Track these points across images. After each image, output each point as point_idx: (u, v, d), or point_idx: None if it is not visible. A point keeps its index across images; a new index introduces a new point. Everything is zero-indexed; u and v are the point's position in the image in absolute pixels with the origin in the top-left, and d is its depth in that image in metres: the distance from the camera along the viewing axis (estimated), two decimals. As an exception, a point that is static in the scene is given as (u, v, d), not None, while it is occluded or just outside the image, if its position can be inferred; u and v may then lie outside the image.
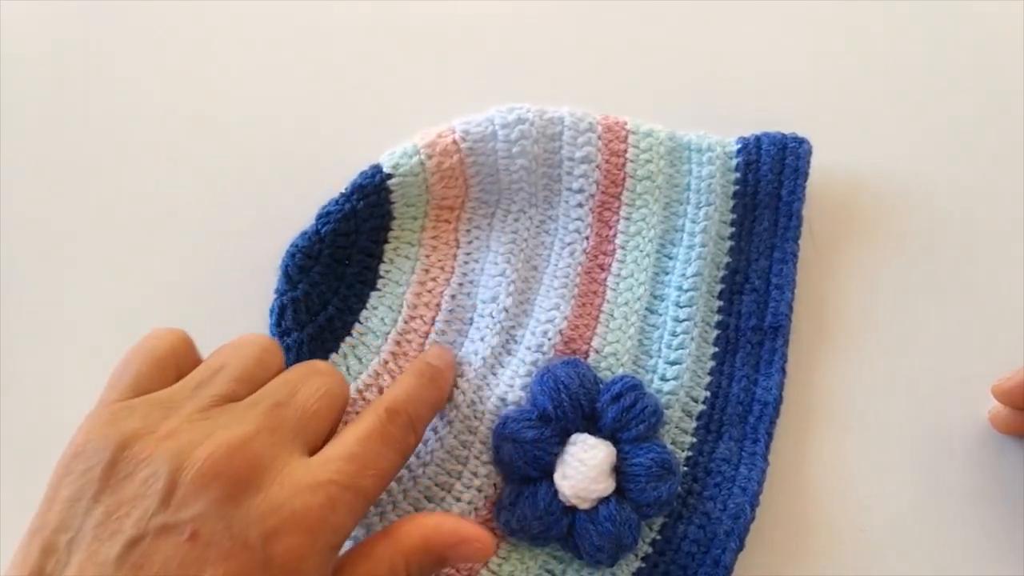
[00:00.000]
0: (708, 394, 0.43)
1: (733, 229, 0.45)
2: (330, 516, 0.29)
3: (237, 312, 0.44)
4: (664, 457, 0.39)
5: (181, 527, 0.26)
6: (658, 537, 0.40)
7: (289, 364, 0.40)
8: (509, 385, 0.41)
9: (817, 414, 0.44)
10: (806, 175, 0.45)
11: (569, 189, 0.44)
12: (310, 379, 0.33)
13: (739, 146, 0.46)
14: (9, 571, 0.26)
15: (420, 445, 0.40)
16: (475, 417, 0.41)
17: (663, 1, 0.52)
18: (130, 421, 0.28)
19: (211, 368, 0.32)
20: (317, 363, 0.35)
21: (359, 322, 0.43)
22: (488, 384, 0.42)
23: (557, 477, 0.39)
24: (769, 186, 0.45)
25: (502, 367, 0.42)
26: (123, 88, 0.50)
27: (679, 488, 0.41)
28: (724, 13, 0.52)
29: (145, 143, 0.49)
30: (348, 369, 0.42)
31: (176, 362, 0.32)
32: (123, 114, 0.49)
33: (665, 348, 0.43)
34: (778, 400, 0.42)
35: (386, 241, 0.44)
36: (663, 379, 0.42)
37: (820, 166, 0.46)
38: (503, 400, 0.41)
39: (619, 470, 0.39)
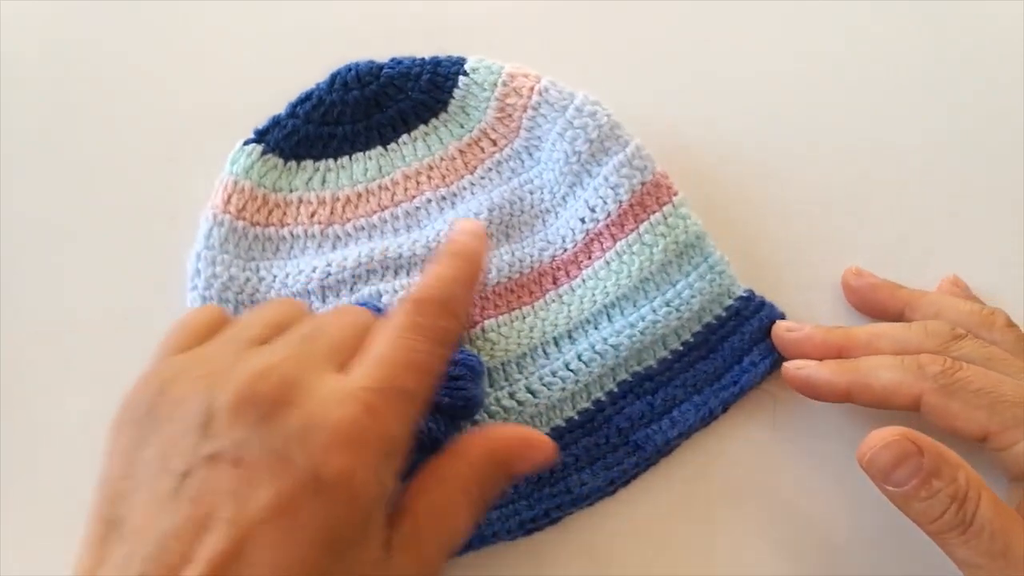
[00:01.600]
0: (533, 442, 0.41)
1: (680, 348, 0.43)
2: (371, 424, 0.27)
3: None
4: (437, 437, 0.38)
5: (224, 454, 0.26)
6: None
7: (277, 142, 0.43)
8: (394, 290, 0.42)
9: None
10: (777, 363, 0.43)
11: (585, 202, 0.44)
12: (341, 316, 0.32)
13: (744, 294, 0.44)
14: (86, 527, 0.27)
15: (293, 270, 0.42)
16: (348, 288, 0.43)
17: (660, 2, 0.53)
18: (169, 370, 0.29)
19: (243, 321, 0.33)
20: (346, 306, 0.35)
21: (348, 156, 0.45)
22: (382, 276, 0.43)
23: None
24: (739, 343, 0.43)
25: (406, 275, 0.43)
26: (123, 88, 0.51)
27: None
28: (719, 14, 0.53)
29: (145, 143, 0.49)
30: (309, 180, 0.45)
31: (216, 329, 0.33)
32: (123, 114, 0.50)
33: (536, 377, 0.42)
34: (582, 498, 0.40)
35: (425, 122, 0.46)
36: (510, 396, 0.41)
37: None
38: (379, 293, 0.42)
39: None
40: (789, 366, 0.41)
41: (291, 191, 0.44)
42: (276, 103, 0.45)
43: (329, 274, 0.42)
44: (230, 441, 0.26)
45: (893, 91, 0.50)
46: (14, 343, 0.45)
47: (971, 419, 0.36)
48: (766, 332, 0.43)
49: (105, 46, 0.52)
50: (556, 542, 0.40)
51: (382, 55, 0.46)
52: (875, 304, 0.44)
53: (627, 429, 0.41)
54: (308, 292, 0.42)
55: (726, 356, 0.43)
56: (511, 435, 0.32)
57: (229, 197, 0.43)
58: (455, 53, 0.46)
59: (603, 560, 0.40)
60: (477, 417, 0.41)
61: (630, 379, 0.43)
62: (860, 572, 0.39)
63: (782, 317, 0.44)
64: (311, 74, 0.45)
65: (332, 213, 0.44)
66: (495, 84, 0.44)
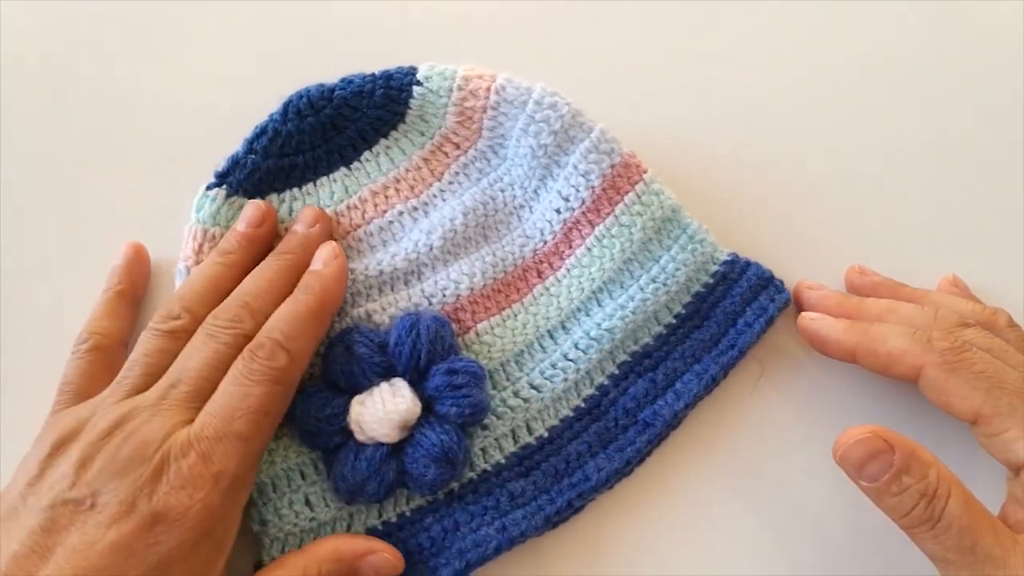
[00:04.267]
0: (545, 435, 0.42)
1: (674, 321, 0.44)
2: (204, 470, 0.33)
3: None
4: (452, 447, 0.38)
5: (84, 499, 0.33)
6: (407, 513, 0.40)
7: (239, 183, 0.43)
8: (383, 308, 0.42)
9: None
10: (771, 320, 0.43)
11: (558, 192, 0.44)
12: (202, 353, 0.37)
13: (728, 258, 0.44)
14: None
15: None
16: (338, 314, 0.42)
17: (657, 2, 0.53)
18: (65, 421, 0.36)
19: (127, 366, 0.38)
20: (208, 336, 0.38)
21: (313, 183, 0.45)
22: (369, 295, 0.42)
23: (356, 400, 0.39)
24: (731, 306, 0.44)
25: (391, 291, 0.43)
26: (123, 88, 0.51)
27: (454, 487, 0.40)
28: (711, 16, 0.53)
29: (145, 143, 0.49)
30: (276, 215, 0.44)
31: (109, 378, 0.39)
32: (123, 114, 0.50)
33: (537, 372, 0.42)
34: (602, 482, 0.40)
35: (384, 136, 0.45)
36: (515, 394, 0.42)
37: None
38: (368, 315, 0.42)
39: (411, 432, 0.39)
40: (804, 316, 0.42)
41: None
42: (277, 102, 0.45)
43: None
44: (91, 489, 0.33)
45: (894, 91, 0.50)
46: (14, 343, 0.45)
47: (966, 398, 0.37)
48: (757, 292, 0.44)
49: (105, 46, 0.52)
50: (556, 542, 0.40)
51: (384, 55, 0.46)
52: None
53: (634, 409, 0.42)
54: None
55: (720, 321, 0.44)
56: (357, 540, 0.38)
57: (200, 246, 0.42)
58: (452, 52, 0.46)
59: (603, 560, 0.40)
60: (486, 421, 0.41)
61: (629, 359, 0.43)
62: (857, 566, 0.41)
63: (769, 276, 0.44)
64: (311, 73, 0.45)
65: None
66: (451, 89, 0.44)
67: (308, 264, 0.41)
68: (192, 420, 0.35)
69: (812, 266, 0.46)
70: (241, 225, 0.41)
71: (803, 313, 0.43)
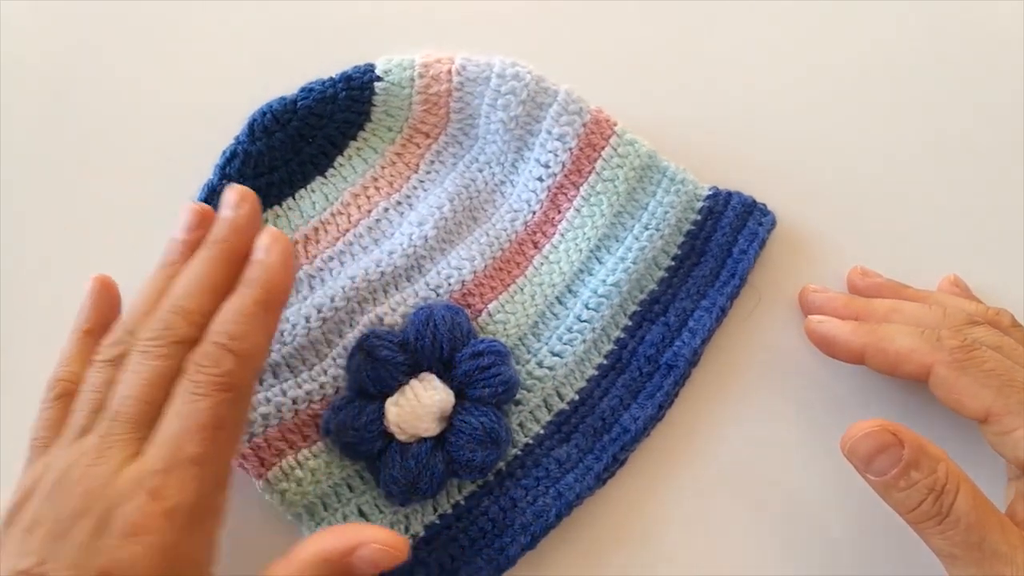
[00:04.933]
0: (576, 398, 0.42)
1: (672, 263, 0.45)
2: (156, 509, 0.30)
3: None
4: (494, 427, 0.39)
5: (31, 570, 0.29)
6: (462, 502, 0.40)
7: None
8: (392, 308, 0.42)
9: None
10: (763, 242, 0.45)
11: (537, 160, 0.45)
12: (140, 375, 0.33)
13: (710, 192, 0.45)
14: None
15: (287, 327, 0.41)
16: (349, 323, 0.42)
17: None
18: (22, 483, 0.33)
19: (75, 406, 0.34)
20: (146, 357, 0.34)
21: (293, 198, 0.44)
22: (375, 298, 0.42)
23: (389, 402, 0.39)
24: (723, 238, 0.45)
25: (396, 290, 0.43)
26: (123, 88, 0.50)
27: (501, 466, 0.40)
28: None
29: (145, 143, 0.49)
30: (263, 234, 0.43)
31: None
32: (123, 114, 0.49)
33: (555, 339, 0.43)
34: (640, 431, 0.41)
35: (353, 139, 0.45)
36: (539, 364, 0.42)
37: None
38: (380, 319, 0.42)
39: (450, 422, 0.39)
40: (811, 319, 0.42)
41: None
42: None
43: (324, 319, 0.41)
44: (40, 557, 0.29)
45: (894, 91, 0.50)
46: (13, 343, 0.44)
47: (977, 397, 0.36)
48: (744, 219, 0.45)
49: (105, 46, 0.52)
50: (556, 542, 0.40)
51: (381, 54, 0.45)
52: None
53: (655, 355, 0.43)
54: (312, 343, 0.41)
55: (715, 254, 0.45)
56: (343, 534, 0.33)
57: None
58: (445, 49, 0.45)
59: (603, 559, 0.40)
60: (518, 396, 0.41)
61: (639, 309, 0.44)
62: (859, 567, 0.40)
63: (752, 201, 0.45)
64: (310, 72, 0.45)
65: (296, 257, 0.43)
66: (412, 79, 0.44)
67: (245, 252, 0.35)
68: (135, 451, 0.31)
69: (812, 266, 0.46)
70: (178, 231, 0.37)
71: (809, 316, 0.42)
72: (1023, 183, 0.48)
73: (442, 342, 0.40)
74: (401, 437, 0.39)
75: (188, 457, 0.31)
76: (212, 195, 0.43)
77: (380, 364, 0.39)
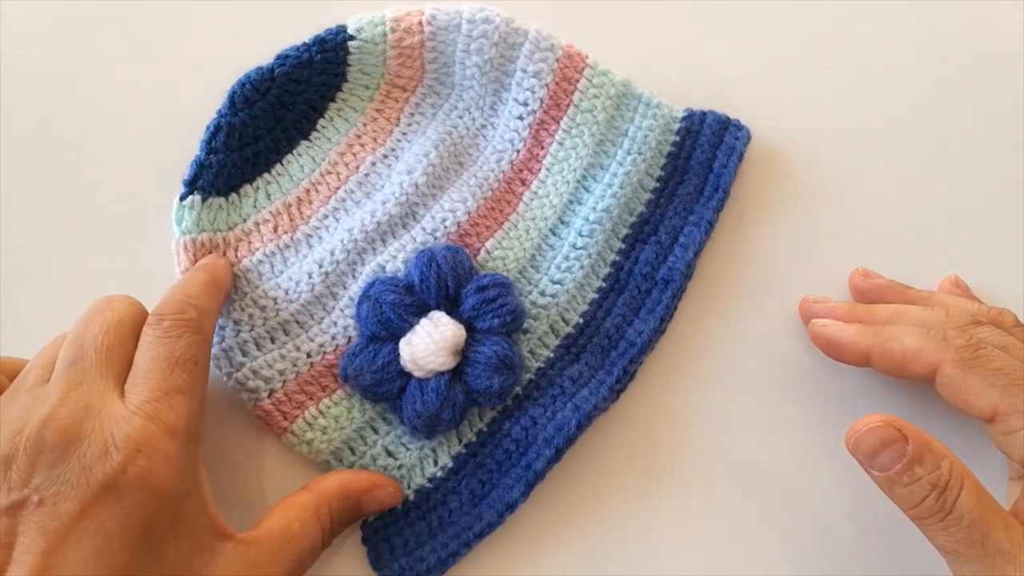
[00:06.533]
0: (580, 321, 0.44)
1: (657, 184, 0.46)
2: (156, 429, 0.32)
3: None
4: (507, 353, 0.40)
5: (27, 501, 0.30)
6: (484, 429, 0.41)
7: (210, 184, 0.43)
8: (392, 255, 0.43)
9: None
10: (741, 155, 0.46)
11: (515, 100, 0.46)
12: (91, 324, 0.35)
13: (685, 114, 0.47)
14: None
15: (291, 284, 0.42)
16: (351, 274, 0.43)
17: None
18: None
19: (25, 369, 0.36)
20: (96, 303, 0.37)
21: (280, 163, 0.45)
22: (374, 248, 0.43)
23: (403, 343, 0.40)
24: (703, 156, 0.46)
25: (393, 238, 0.44)
26: (123, 88, 0.50)
27: (518, 391, 0.42)
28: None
29: (144, 143, 0.49)
30: (255, 202, 0.44)
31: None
32: (123, 114, 0.49)
33: (554, 268, 0.44)
34: (646, 344, 0.43)
35: (332, 100, 0.46)
36: (541, 293, 0.43)
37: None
38: (382, 267, 0.43)
39: (464, 355, 0.41)
40: (815, 322, 0.42)
41: (244, 220, 0.44)
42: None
43: (327, 273, 0.42)
44: (30, 488, 0.30)
45: (893, 91, 0.50)
46: (13, 343, 0.44)
47: (984, 396, 0.36)
48: (720, 136, 0.47)
49: (105, 46, 0.51)
50: (556, 541, 0.41)
51: (350, 12, 0.46)
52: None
53: (650, 272, 0.44)
54: (318, 297, 0.42)
55: (697, 171, 0.46)
56: (362, 476, 0.39)
57: (193, 256, 0.42)
58: (413, 3, 0.46)
59: (603, 559, 0.41)
60: (525, 326, 0.42)
61: (631, 231, 0.45)
62: (859, 567, 0.41)
63: (726, 119, 0.47)
64: (285, 39, 0.45)
65: (292, 219, 0.44)
66: (384, 34, 0.45)
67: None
68: (113, 391, 0.33)
69: (813, 267, 0.46)
70: None
71: (813, 320, 0.42)
72: (1023, 183, 0.48)
73: (447, 280, 0.41)
74: (418, 374, 0.40)
75: (175, 387, 0.34)
76: (200, 171, 0.43)
77: (387, 307, 0.40)
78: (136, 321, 0.36)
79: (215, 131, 0.44)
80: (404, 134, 0.46)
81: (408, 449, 0.41)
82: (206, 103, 0.45)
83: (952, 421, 0.41)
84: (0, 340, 0.44)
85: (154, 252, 0.46)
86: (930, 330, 0.38)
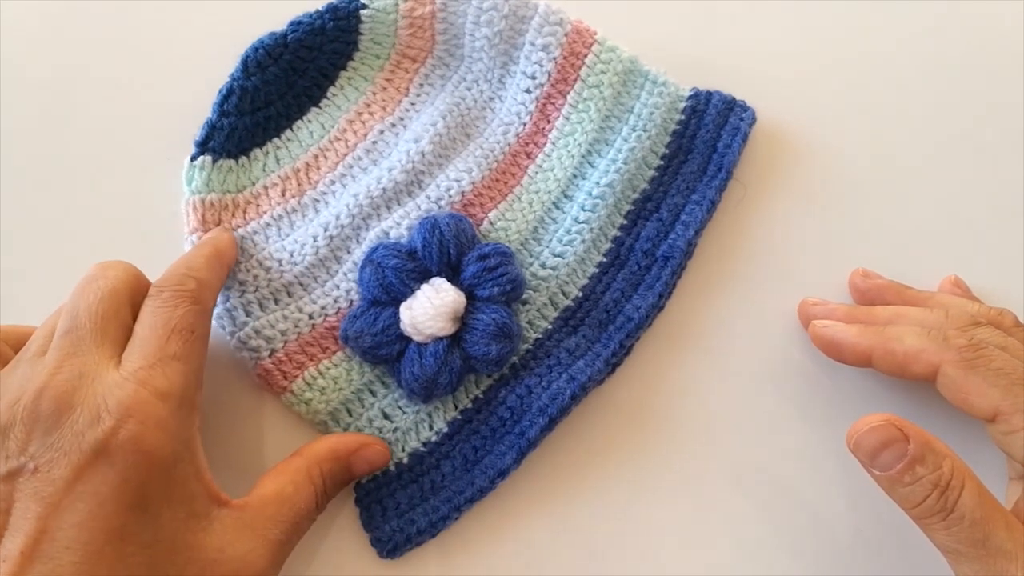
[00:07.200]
0: (580, 294, 0.44)
1: (661, 162, 0.47)
2: (148, 395, 0.32)
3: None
4: (506, 321, 0.41)
5: (23, 468, 0.31)
6: (480, 396, 0.42)
7: (221, 146, 0.44)
8: (396, 222, 0.43)
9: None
10: (745, 136, 0.46)
11: (523, 73, 0.46)
12: (85, 293, 0.36)
13: (691, 93, 0.47)
14: None
15: (296, 247, 0.43)
16: (355, 239, 0.43)
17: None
18: None
19: (28, 341, 0.36)
20: (91, 271, 0.37)
21: (290, 129, 0.46)
22: (379, 215, 0.44)
23: (403, 307, 0.41)
24: (707, 135, 0.47)
25: (398, 205, 0.44)
26: (123, 87, 0.50)
27: (515, 360, 0.42)
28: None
29: (144, 142, 0.49)
30: (264, 166, 0.45)
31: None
32: (123, 114, 0.49)
33: (555, 241, 0.45)
34: (643, 319, 0.43)
35: (343, 68, 0.47)
36: (542, 266, 0.44)
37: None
38: (386, 233, 0.43)
39: (463, 322, 0.41)
40: (816, 323, 0.42)
41: (253, 183, 0.45)
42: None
43: (331, 237, 0.43)
44: (26, 456, 0.31)
45: (894, 91, 0.50)
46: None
47: (985, 396, 0.36)
48: (725, 116, 0.47)
49: (105, 46, 0.51)
50: (556, 542, 0.41)
51: None
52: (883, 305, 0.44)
53: (651, 249, 0.45)
54: (322, 260, 0.43)
55: (701, 151, 0.47)
56: (351, 437, 0.40)
57: (202, 216, 0.43)
58: None
59: (603, 559, 0.41)
60: (524, 296, 0.43)
61: (633, 207, 0.46)
62: (860, 567, 0.41)
63: (732, 99, 0.47)
64: (298, 5, 0.46)
65: (299, 183, 0.45)
66: (396, 4, 0.46)
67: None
68: (109, 359, 0.34)
69: (812, 268, 0.46)
70: None
71: (815, 320, 0.42)
72: (1023, 183, 0.48)
73: (449, 247, 0.41)
74: (417, 338, 0.41)
75: (171, 354, 0.34)
76: (212, 132, 0.44)
77: (389, 271, 0.41)
78: (132, 286, 0.37)
79: (227, 94, 0.44)
80: (413, 104, 0.47)
81: (404, 413, 0.42)
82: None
83: (953, 421, 0.41)
84: (8, 310, 0.45)
85: (153, 251, 0.44)
86: (931, 331, 0.39)
